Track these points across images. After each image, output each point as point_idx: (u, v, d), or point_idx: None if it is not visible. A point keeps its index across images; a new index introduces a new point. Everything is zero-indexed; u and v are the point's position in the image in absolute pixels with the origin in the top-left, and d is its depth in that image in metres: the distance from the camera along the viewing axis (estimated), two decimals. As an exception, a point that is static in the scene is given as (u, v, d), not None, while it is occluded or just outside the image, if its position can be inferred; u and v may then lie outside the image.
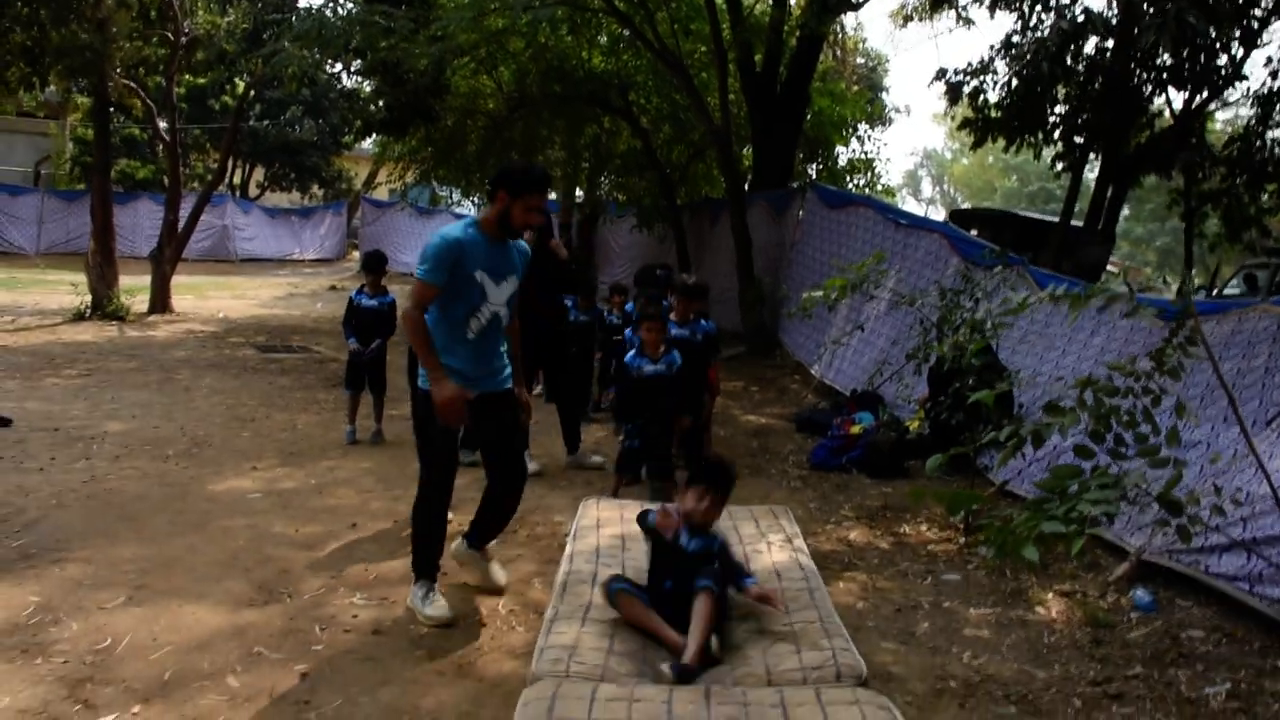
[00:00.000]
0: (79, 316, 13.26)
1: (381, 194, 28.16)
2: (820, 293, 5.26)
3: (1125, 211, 48.28)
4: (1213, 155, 14.05)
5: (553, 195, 18.48)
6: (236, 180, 30.41)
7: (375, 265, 7.28)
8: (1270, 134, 13.17)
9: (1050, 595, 4.90)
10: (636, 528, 4.60)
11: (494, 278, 3.92)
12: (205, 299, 17.13)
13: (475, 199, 20.11)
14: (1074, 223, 15.05)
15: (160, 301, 14.57)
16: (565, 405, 6.97)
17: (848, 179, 17.46)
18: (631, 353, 5.74)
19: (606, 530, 4.54)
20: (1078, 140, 13.25)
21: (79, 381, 9.00)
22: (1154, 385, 3.10)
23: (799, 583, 4.08)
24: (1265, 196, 14.30)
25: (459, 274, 3.82)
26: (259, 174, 31.57)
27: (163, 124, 15.41)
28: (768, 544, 4.54)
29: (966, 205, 47.51)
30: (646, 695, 2.96)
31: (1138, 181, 15.10)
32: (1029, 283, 7.41)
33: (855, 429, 7.56)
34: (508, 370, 4.21)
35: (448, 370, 3.86)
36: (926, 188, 69.57)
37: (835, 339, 9.31)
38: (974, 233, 14.42)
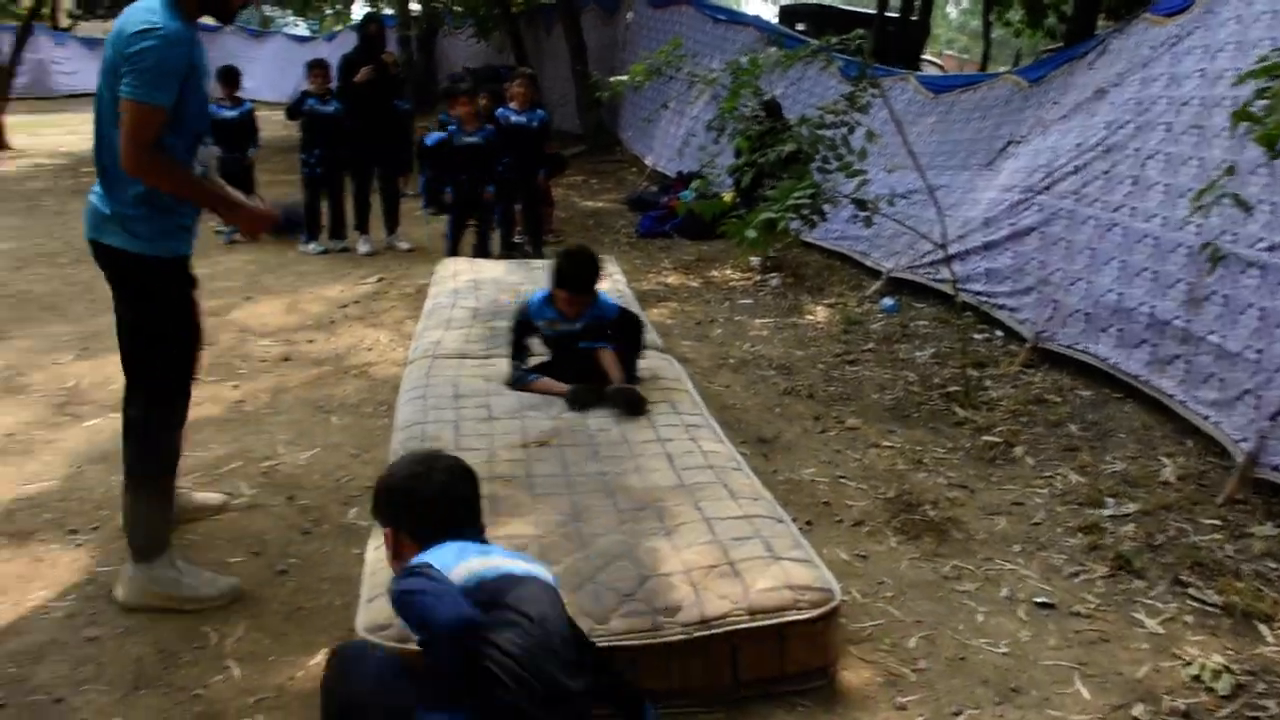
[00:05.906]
0: (-88, 159, 13.06)
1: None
2: (625, 78, 6.24)
3: (965, 4, 49.49)
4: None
5: (389, 10, 18.40)
6: (46, 10, 28.39)
7: (231, 78, 7.84)
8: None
9: (819, 308, 6.30)
10: (486, 274, 5.74)
11: (207, 83, 2.72)
12: (39, 136, 16.69)
13: (311, 19, 19.76)
14: (890, 14, 16.31)
15: (-4, 139, 14.34)
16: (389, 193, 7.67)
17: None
18: (453, 127, 6.89)
19: (461, 278, 5.64)
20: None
21: (-57, 215, 9.29)
22: (849, 119, 4.30)
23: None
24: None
25: (189, 86, 2.54)
26: (67, 1, 29.50)
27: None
28: (593, 277, 5.71)
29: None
30: (497, 365, 4.15)
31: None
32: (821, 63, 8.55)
33: (679, 204, 8.74)
34: None
35: (178, 230, 2.73)
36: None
37: (645, 118, 10.51)
38: (800, 27, 15.52)
